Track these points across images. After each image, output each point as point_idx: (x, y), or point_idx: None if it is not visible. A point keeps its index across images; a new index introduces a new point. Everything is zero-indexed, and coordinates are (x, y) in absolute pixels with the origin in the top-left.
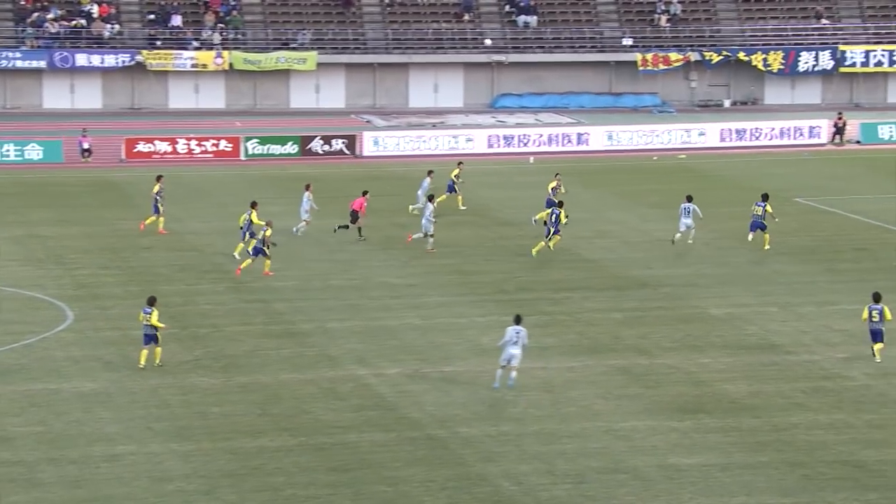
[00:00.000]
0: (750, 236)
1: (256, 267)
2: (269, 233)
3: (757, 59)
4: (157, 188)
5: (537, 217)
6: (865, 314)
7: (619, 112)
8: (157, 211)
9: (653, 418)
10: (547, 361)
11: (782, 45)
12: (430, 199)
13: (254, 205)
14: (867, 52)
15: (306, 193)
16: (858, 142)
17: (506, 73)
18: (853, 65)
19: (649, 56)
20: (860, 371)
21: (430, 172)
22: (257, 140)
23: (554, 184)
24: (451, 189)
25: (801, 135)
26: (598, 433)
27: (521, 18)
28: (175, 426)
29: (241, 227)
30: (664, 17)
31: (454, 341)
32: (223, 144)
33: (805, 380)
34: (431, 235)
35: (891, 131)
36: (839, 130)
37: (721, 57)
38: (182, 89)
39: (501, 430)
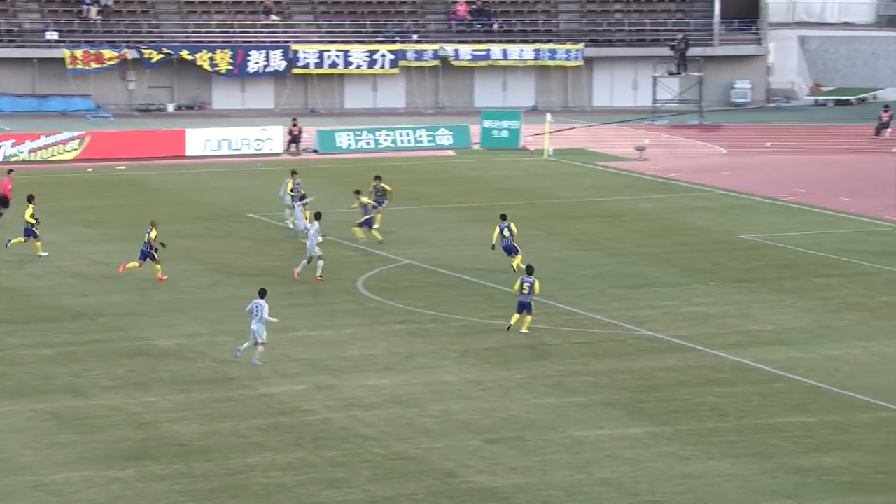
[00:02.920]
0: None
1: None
2: (153, 234)
3: (202, 59)
4: None
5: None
6: (517, 286)
7: (46, 117)
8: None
9: (89, 468)
10: None
11: (230, 42)
12: (318, 216)
13: (30, 199)
14: (321, 52)
15: (288, 180)
16: (315, 151)
17: None
18: (307, 66)
19: (79, 53)
20: (322, 404)
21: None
22: None
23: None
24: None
25: (254, 143)
26: (24, 489)
27: None
28: None
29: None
30: (94, 10)
31: None
32: None
33: (263, 416)
34: (321, 257)
35: (349, 139)
36: (294, 138)
37: (162, 55)
38: None
39: None
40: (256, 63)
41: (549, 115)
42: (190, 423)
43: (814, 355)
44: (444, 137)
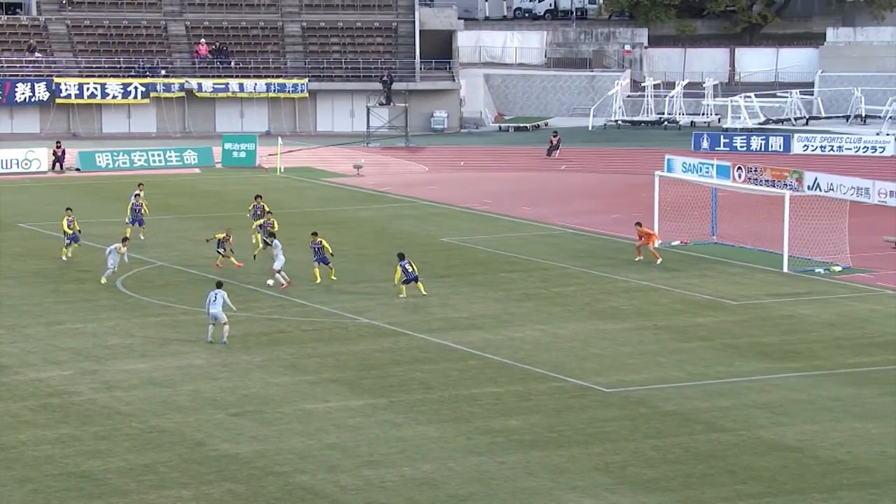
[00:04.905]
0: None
1: None
2: (220, 235)
3: None
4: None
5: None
6: (399, 271)
7: None
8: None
9: None
10: None
11: None
12: (273, 235)
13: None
14: (81, 85)
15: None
16: (78, 169)
17: None
18: (69, 96)
19: None
20: (87, 386)
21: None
22: None
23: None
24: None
25: (22, 163)
26: None
27: None
28: None
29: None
30: None
31: None
32: None
33: (33, 398)
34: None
35: (107, 159)
36: (59, 159)
37: None
38: None
39: None
40: (23, 94)
41: (280, 139)
42: None
43: (501, 337)
44: (191, 157)
